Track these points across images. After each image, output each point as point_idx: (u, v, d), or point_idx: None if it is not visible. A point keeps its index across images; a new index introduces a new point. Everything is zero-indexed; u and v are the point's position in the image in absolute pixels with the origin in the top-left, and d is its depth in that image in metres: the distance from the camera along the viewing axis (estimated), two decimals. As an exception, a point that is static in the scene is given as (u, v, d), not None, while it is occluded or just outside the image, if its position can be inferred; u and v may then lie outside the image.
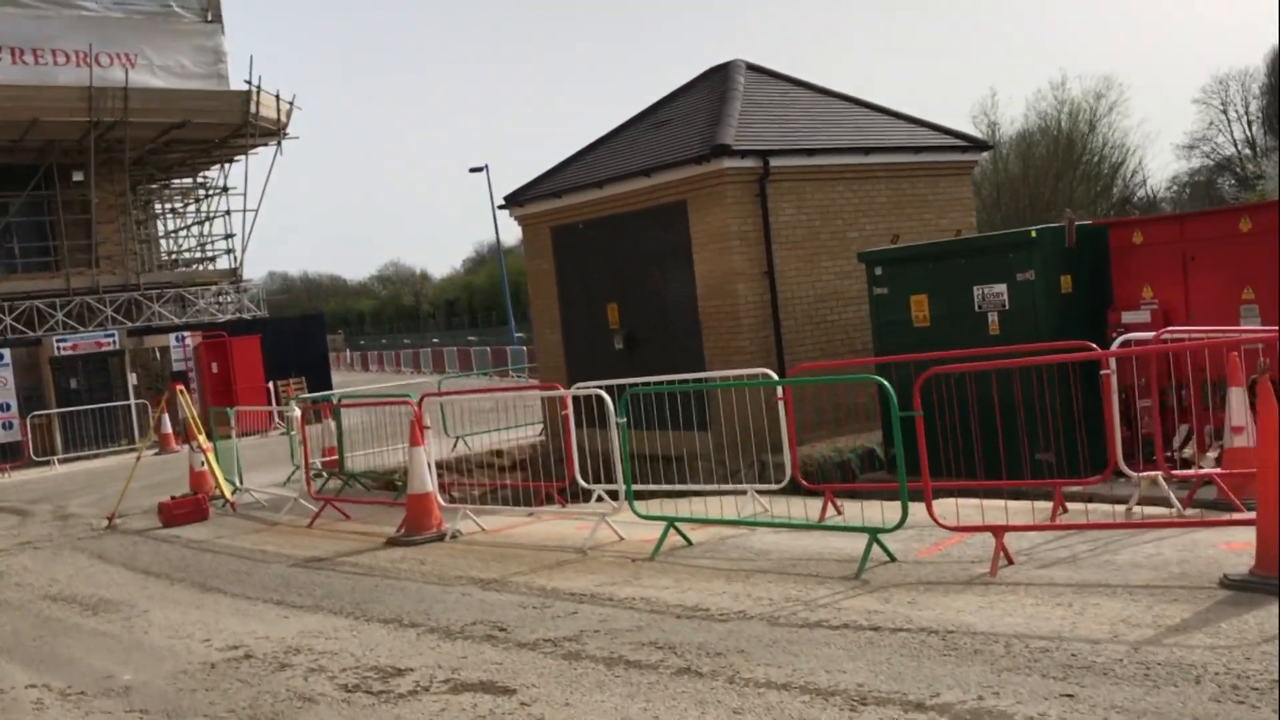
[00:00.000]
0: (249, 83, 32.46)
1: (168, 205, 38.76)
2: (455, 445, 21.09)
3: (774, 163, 15.60)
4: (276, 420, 29.75)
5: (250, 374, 30.62)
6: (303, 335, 33.73)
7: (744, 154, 15.35)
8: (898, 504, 10.51)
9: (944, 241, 14.91)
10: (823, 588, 7.92)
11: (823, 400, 15.78)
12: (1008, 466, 11.65)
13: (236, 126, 32.68)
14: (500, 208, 19.48)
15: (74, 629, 9.22)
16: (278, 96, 33.89)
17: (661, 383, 11.78)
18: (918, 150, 17.34)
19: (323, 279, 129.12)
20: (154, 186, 38.15)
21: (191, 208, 37.95)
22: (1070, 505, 9.47)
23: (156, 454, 27.29)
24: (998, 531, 7.86)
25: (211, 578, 10.79)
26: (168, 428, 27.68)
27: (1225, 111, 72.45)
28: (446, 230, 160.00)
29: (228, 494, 15.70)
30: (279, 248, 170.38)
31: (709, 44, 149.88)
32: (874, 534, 8.37)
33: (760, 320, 15.61)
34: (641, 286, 17.03)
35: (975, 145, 18.07)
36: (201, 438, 15.85)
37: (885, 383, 8.20)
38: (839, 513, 10.47)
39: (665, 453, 15.96)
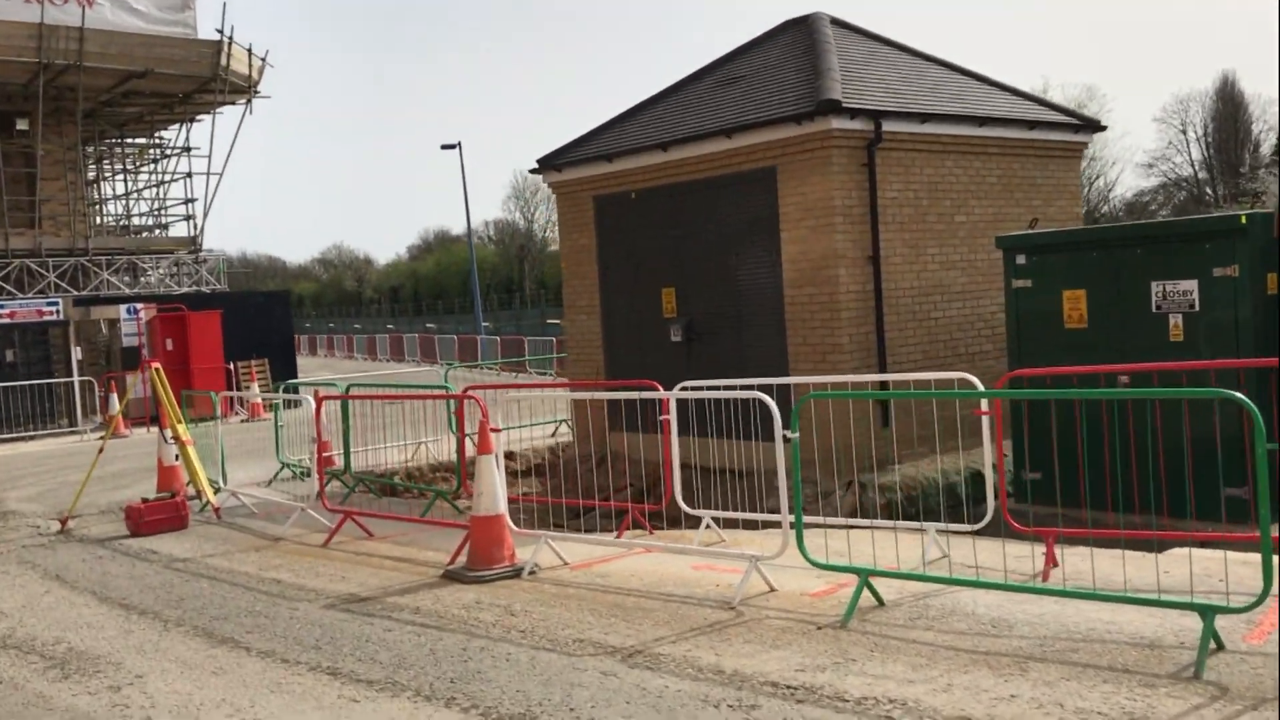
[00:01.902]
0: (220, 32, 29.41)
1: (119, 165, 35.38)
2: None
3: (886, 126, 13.12)
4: (237, 407, 26.84)
5: (209, 353, 27.58)
6: (266, 314, 30.73)
7: (854, 113, 12.85)
8: (1142, 555, 8.17)
9: (1114, 225, 12.57)
10: (1165, 695, 5.43)
11: (925, 414, 13.37)
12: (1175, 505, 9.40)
13: (204, 80, 29.60)
14: (533, 172, 16.82)
15: (38, 702, 6.47)
16: (250, 51, 30.88)
17: (847, 387, 9.12)
18: (1031, 125, 14.97)
19: (261, 259, 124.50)
20: (105, 145, 34.80)
21: (147, 169, 34.63)
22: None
23: (102, 437, 24.23)
24: None
25: (219, 620, 8.06)
26: (115, 409, 24.63)
27: (1185, 132, 71.75)
28: (393, 215, 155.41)
29: (211, 496, 12.91)
30: (215, 222, 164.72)
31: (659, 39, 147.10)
32: (1210, 613, 5.89)
33: (861, 314, 13.12)
34: (708, 268, 14.47)
35: (1087, 125, 15.76)
36: (181, 428, 13.03)
37: (1247, 402, 5.72)
38: (1056, 564, 8.03)
39: (731, 466, 13.44)
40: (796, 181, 13.21)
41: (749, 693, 5.83)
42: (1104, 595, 6.47)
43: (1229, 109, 70.39)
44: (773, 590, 7.83)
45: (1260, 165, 61.67)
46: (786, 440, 7.48)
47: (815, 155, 12.99)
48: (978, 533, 8.67)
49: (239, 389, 28.02)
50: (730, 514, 9.94)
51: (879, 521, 9.14)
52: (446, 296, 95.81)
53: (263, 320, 30.09)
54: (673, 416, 9.63)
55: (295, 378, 30.72)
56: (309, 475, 15.69)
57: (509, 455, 18.61)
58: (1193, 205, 64.00)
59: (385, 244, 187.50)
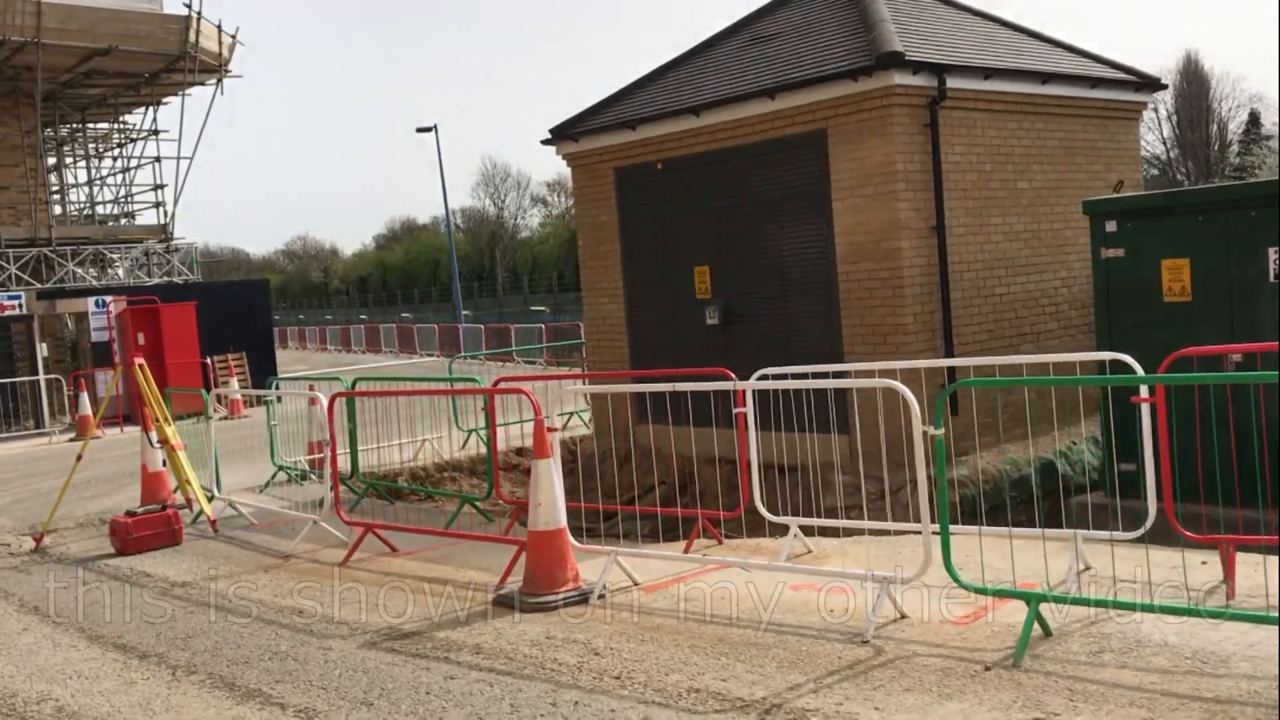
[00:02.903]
0: (188, 6, 27.77)
1: (81, 151, 33.60)
2: (467, 441, 17.09)
3: (950, 83, 11.86)
4: (216, 404, 25.27)
5: (184, 348, 25.96)
6: (244, 305, 29.13)
7: (916, 68, 11.58)
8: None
9: (1223, 185, 11.37)
10: None
11: (989, 401, 12.16)
12: None
13: (171, 58, 27.92)
14: (545, 143, 15.42)
15: (26, 791, 5.12)
16: (219, 27, 29.23)
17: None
18: (1093, 83, 13.76)
19: (224, 251, 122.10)
20: (66, 131, 32.98)
21: (111, 154, 32.89)
22: None
23: (72, 439, 22.71)
24: None
25: (238, 665, 6.70)
26: (85, 409, 23.08)
27: (1155, 110, 71.07)
28: (357, 204, 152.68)
29: (206, 507, 11.50)
30: (181, 212, 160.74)
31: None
32: None
33: (926, 290, 11.87)
34: (747, 244, 13.17)
35: (1147, 83, 14.56)
36: (170, 430, 11.59)
37: None
38: (1230, 576, 6.80)
39: (780, 461, 12.17)
40: (851, 145, 11.93)
41: (949, 767, 4.55)
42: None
43: (1194, 87, 69.81)
44: (903, 617, 6.57)
45: (1231, 141, 61.12)
46: (930, 437, 6.20)
47: (873, 115, 11.71)
48: (1144, 538, 7.46)
49: (216, 385, 26.50)
50: (823, 522, 8.64)
51: (1019, 530, 7.85)
52: (416, 286, 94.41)
53: (241, 312, 28.52)
54: (750, 409, 8.35)
55: (275, 372, 29.22)
56: (306, 479, 14.36)
57: (519, 451, 17.31)
58: (1164, 185, 63.47)
59: (351, 234, 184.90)
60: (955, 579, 6.16)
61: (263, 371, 28.45)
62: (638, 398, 14.22)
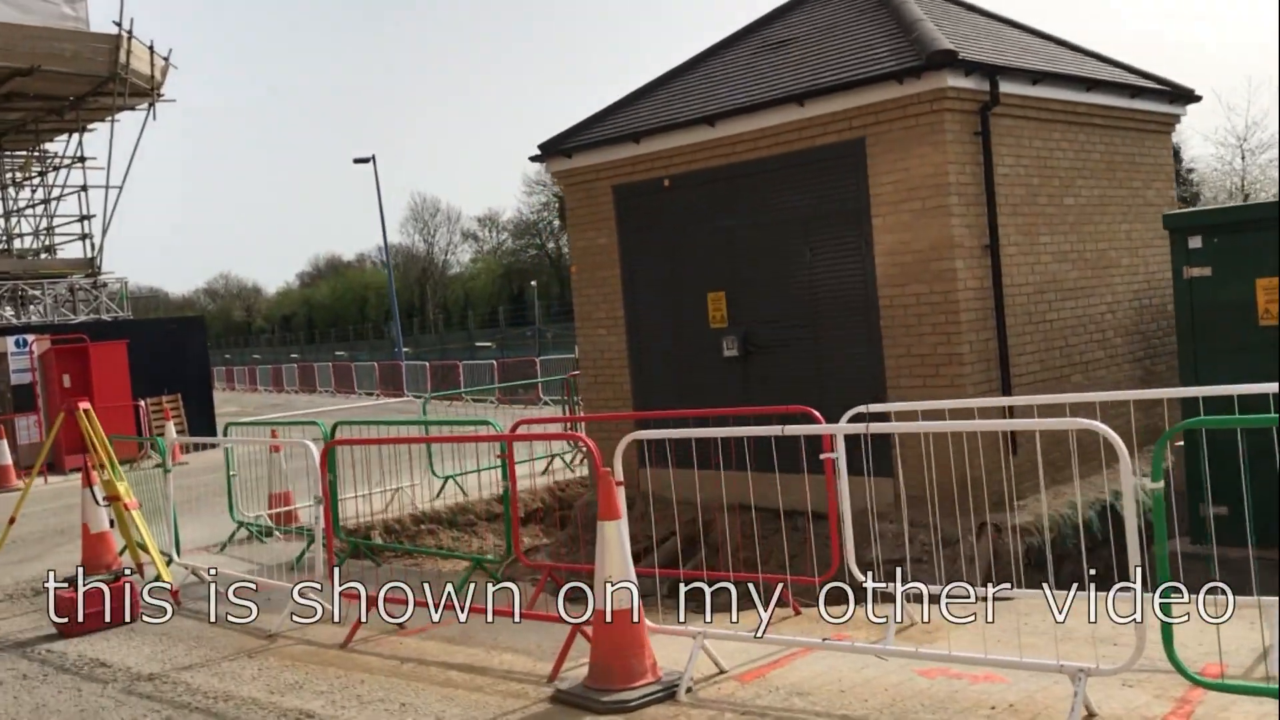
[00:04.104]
0: (118, 25, 25.95)
1: (-1, 180, 31.47)
2: (442, 489, 15.58)
3: (1003, 87, 10.71)
4: (149, 450, 23.35)
5: (114, 390, 23.97)
6: (179, 344, 27.12)
7: (969, 69, 10.41)
8: None
9: None
10: None
11: (1042, 437, 10.94)
12: None
13: (100, 80, 26.04)
14: (534, 159, 14.02)
15: None
16: (151, 48, 27.42)
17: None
18: (1134, 93, 12.74)
19: (142, 291, 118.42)
20: (-18, 159, 30.85)
21: (31, 183, 30.80)
22: None
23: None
24: None
25: (246, 801, 5.17)
26: (5, 458, 21.09)
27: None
28: (279, 241, 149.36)
29: (165, 574, 9.84)
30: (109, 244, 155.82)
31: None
32: None
33: (981, 316, 10.65)
34: (770, 267, 11.87)
35: (1181, 95, 13.58)
36: (122, 486, 9.94)
37: None
38: None
39: (809, 508, 10.84)
40: (895, 155, 10.71)
41: None
42: None
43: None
44: (1092, 716, 5.24)
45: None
46: (1144, 490, 4.92)
47: (922, 121, 10.50)
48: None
49: (150, 429, 24.54)
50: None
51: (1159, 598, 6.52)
52: (345, 324, 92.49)
53: (175, 352, 26.55)
54: (841, 455, 7.04)
55: (211, 416, 27.33)
56: (270, 535, 12.79)
57: (502, 499, 15.81)
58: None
59: (274, 272, 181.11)
60: (1181, 670, 4.85)
61: (199, 415, 26.56)
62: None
